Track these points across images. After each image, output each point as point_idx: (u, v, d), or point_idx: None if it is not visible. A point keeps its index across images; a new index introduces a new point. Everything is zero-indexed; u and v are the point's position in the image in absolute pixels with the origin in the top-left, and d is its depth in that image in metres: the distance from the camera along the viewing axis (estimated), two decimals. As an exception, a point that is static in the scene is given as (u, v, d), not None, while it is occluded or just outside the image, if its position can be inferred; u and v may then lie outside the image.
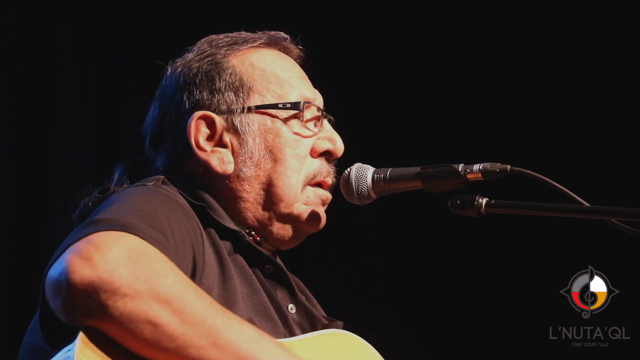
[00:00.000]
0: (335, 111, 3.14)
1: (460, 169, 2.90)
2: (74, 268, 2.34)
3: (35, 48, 4.96)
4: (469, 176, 2.90)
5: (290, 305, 2.93)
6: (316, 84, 3.12)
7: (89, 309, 2.34)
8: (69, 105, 5.05)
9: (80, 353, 2.34)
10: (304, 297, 3.01)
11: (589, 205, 2.80)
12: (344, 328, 2.91)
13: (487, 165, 2.89)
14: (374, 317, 5.12)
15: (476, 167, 2.90)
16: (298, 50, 3.15)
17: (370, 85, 5.41)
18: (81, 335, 2.36)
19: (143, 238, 2.44)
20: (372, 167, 3.03)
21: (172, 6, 5.21)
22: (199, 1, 5.21)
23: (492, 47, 5.36)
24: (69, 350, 2.36)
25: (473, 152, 3.25)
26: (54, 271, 2.38)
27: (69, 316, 2.37)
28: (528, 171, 2.85)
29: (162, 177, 2.88)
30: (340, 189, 3.05)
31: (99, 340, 2.37)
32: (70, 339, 2.38)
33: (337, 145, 3.05)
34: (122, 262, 2.35)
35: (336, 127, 3.09)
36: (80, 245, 2.38)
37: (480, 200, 2.88)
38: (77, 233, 2.46)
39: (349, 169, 3.04)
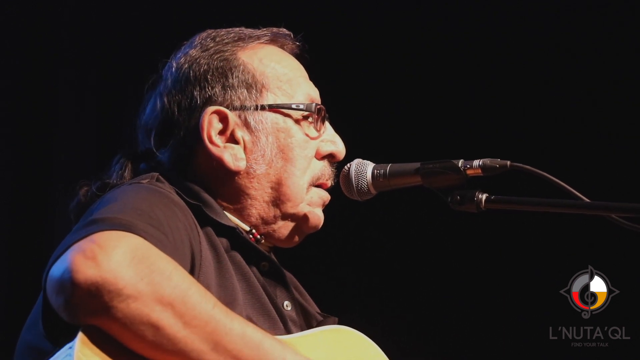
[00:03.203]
0: (336, 108, 3.14)
1: (460, 165, 2.89)
2: (78, 267, 2.33)
3: (35, 48, 4.97)
4: (469, 172, 2.89)
5: (286, 302, 2.92)
6: (316, 82, 3.12)
7: (92, 308, 2.34)
8: (69, 105, 5.06)
9: (80, 352, 2.34)
10: (297, 293, 3.00)
11: (589, 201, 2.79)
12: (339, 324, 2.91)
13: (487, 161, 2.88)
14: (374, 315, 5.12)
15: (476, 162, 2.89)
16: (294, 46, 3.13)
17: (370, 82, 5.42)
18: (80, 334, 2.36)
19: (145, 237, 2.43)
20: (372, 162, 3.03)
21: (172, 6, 5.22)
22: (199, 1, 5.22)
23: (492, 45, 5.36)
24: (71, 347, 2.36)
25: (473, 148, 3.26)
26: (57, 269, 2.37)
27: (71, 315, 2.37)
28: (528, 167, 2.84)
29: (156, 174, 2.87)
30: (340, 185, 3.05)
31: (99, 339, 2.37)
32: (72, 336, 2.37)
33: (340, 149, 3.06)
34: (126, 262, 2.35)
35: (331, 123, 3.09)
36: (84, 244, 2.37)
37: (479, 195, 2.87)
38: (78, 232, 2.44)
39: (348, 165, 3.04)
